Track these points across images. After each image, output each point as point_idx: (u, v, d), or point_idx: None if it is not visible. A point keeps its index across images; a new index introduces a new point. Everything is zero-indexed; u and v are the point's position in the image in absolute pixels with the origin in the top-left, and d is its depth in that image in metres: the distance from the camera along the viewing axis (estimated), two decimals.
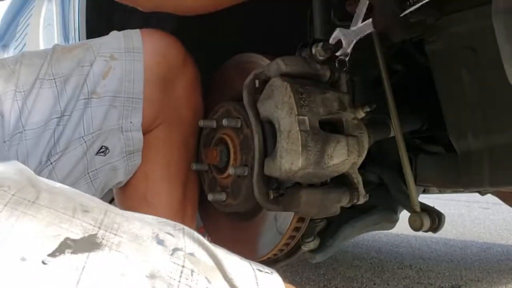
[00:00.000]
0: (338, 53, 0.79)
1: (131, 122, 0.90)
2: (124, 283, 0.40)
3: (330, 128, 0.77)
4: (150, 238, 0.44)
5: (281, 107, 0.73)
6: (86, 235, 0.42)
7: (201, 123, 0.96)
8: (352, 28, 0.77)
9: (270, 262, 1.01)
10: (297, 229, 0.90)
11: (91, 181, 0.90)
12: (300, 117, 0.72)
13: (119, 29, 0.96)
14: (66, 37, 1.52)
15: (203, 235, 0.51)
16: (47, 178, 0.81)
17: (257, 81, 0.79)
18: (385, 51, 0.87)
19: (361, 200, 0.80)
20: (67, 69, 0.88)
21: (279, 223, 0.90)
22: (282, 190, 0.79)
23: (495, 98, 0.78)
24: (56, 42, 1.63)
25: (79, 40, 1.32)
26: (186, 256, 0.44)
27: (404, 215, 1.02)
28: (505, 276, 1.75)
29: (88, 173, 0.89)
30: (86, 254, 0.40)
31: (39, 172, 0.84)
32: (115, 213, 0.46)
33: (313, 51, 0.84)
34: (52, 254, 0.39)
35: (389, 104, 0.88)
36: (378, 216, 1.05)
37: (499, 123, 0.79)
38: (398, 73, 1.06)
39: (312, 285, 1.61)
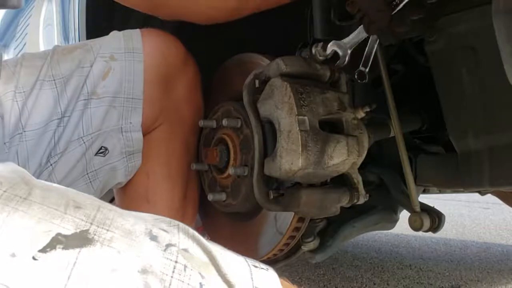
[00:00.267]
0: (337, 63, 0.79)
1: (130, 123, 0.90)
2: (115, 278, 0.40)
3: (330, 128, 0.77)
4: (143, 234, 0.44)
5: (281, 107, 0.73)
6: (78, 230, 0.41)
7: (201, 123, 0.96)
8: (346, 40, 0.77)
9: (270, 262, 1.01)
10: (297, 229, 0.90)
11: (90, 181, 0.90)
12: (300, 117, 0.72)
13: (119, 29, 0.96)
14: (66, 37, 1.52)
15: (203, 235, 0.51)
16: (47, 179, 0.82)
17: (257, 81, 0.79)
18: (385, 51, 0.87)
19: (361, 200, 0.80)
20: (67, 70, 0.88)
21: (279, 223, 0.90)
22: (282, 190, 0.79)
23: (495, 98, 0.78)
24: (56, 42, 1.63)
25: (79, 40, 1.32)
26: (179, 251, 0.44)
27: (404, 215, 1.02)
28: (505, 276, 1.75)
29: (87, 173, 0.89)
30: (78, 249, 0.40)
31: (39, 174, 0.84)
32: (108, 209, 0.46)
33: (313, 51, 0.84)
34: (43, 250, 0.39)
35: (389, 104, 0.88)
36: (378, 216, 1.05)
37: (499, 123, 0.79)
38: (398, 73, 1.06)
39: (312, 285, 1.61)
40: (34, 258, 0.38)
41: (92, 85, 0.88)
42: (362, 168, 0.83)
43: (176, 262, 0.43)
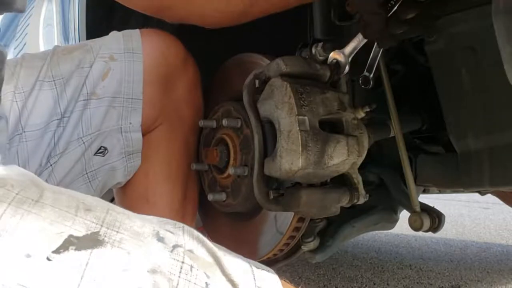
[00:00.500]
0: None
1: (130, 123, 0.90)
2: (126, 278, 0.41)
3: (330, 128, 0.77)
4: (151, 235, 0.46)
5: (281, 107, 0.73)
6: (89, 232, 0.43)
7: (201, 123, 0.96)
8: (346, 49, 0.78)
9: (270, 262, 1.01)
10: (297, 229, 0.90)
11: (90, 181, 0.90)
12: (300, 117, 0.72)
13: (119, 29, 0.96)
14: (66, 37, 1.52)
15: (203, 235, 0.52)
16: (46, 179, 0.82)
17: (257, 81, 0.79)
18: (385, 51, 0.87)
19: (361, 200, 0.80)
20: (67, 70, 0.88)
21: (279, 223, 0.90)
22: (282, 190, 0.79)
23: (495, 98, 0.78)
24: (56, 42, 1.63)
25: (79, 40, 1.32)
26: (185, 252, 0.46)
27: (404, 215, 1.02)
28: (505, 276, 1.75)
29: (86, 173, 0.89)
30: (90, 250, 0.41)
31: (39, 174, 0.84)
32: (117, 212, 0.47)
33: (313, 51, 0.84)
34: (57, 251, 0.40)
35: (389, 104, 0.88)
36: (378, 216, 1.05)
37: (499, 123, 0.79)
38: (398, 73, 1.06)
39: (312, 285, 1.61)
40: (48, 259, 0.40)
41: (92, 86, 0.88)
42: (362, 168, 0.83)
43: (182, 262, 0.44)
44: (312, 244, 0.96)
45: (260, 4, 0.86)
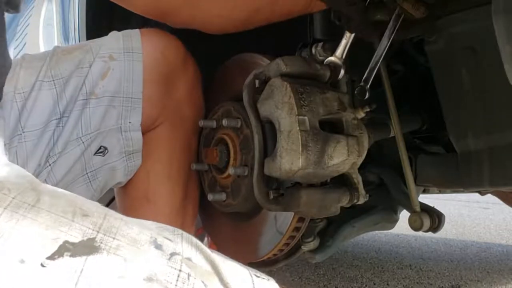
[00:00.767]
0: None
1: (130, 122, 0.90)
2: (122, 286, 0.41)
3: (330, 128, 0.77)
4: (148, 242, 0.45)
5: (281, 107, 0.73)
6: (85, 238, 0.42)
7: (201, 123, 0.96)
8: (337, 52, 0.78)
9: (270, 262, 1.01)
10: (297, 229, 0.90)
11: (90, 181, 0.90)
12: (300, 117, 0.72)
13: (119, 29, 0.96)
14: (66, 37, 1.52)
15: (203, 235, 0.52)
16: (45, 179, 0.82)
17: (257, 81, 0.79)
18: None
19: (361, 200, 0.80)
20: (66, 71, 0.88)
21: (279, 223, 0.90)
22: (282, 190, 0.79)
23: (495, 98, 0.78)
24: (56, 42, 1.63)
25: (79, 40, 1.32)
26: (183, 260, 0.45)
27: (404, 215, 1.02)
28: (505, 276, 1.75)
29: (86, 173, 0.89)
30: (85, 257, 0.41)
31: (38, 174, 0.84)
32: (114, 217, 0.47)
33: (313, 51, 0.84)
34: (51, 257, 0.40)
35: (389, 104, 0.88)
36: (378, 216, 1.05)
37: (499, 123, 0.79)
38: (398, 73, 1.06)
39: (312, 285, 1.61)
40: (42, 265, 0.39)
41: (91, 85, 0.88)
42: (362, 168, 0.83)
43: (180, 270, 0.44)
44: (312, 244, 0.96)
45: (264, 13, 0.86)
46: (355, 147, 0.76)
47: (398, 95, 0.89)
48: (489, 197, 1.99)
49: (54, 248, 0.41)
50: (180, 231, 0.50)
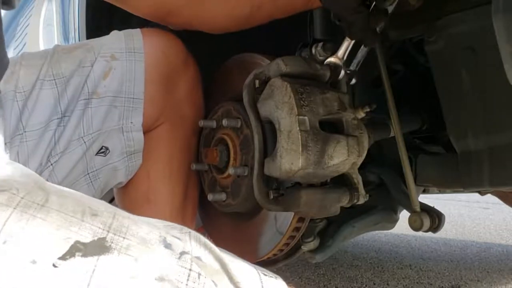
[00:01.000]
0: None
1: (131, 123, 0.90)
2: (134, 286, 0.41)
3: (330, 128, 0.77)
4: (158, 241, 0.45)
5: (281, 107, 0.73)
6: (96, 238, 0.42)
7: (201, 123, 0.96)
8: (339, 52, 0.79)
9: (270, 262, 1.01)
10: (297, 229, 0.90)
11: (91, 181, 0.90)
12: (300, 117, 0.72)
13: (120, 29, 0.96)
14: (66, 37, 1.52)
15: (203, 235, 0.52)
16: (47, 179, 0.82)
17: (257, 81, 0.79)
18: (385, 51, 0.87)
19: (361, 200, 0.80)
20: (68, 70, 0.88)
21: (279, 223, 0.90)
22: (282, 190, 0.79)
23: (495, 98, 0.78)
24: (56, 42, 1.63)
25: (79, 40, 1.32)
26: (193, 259, 0.45)
27: (404, 215, 1.02)
28: (505, 276, 1.75)
29: (88, 173, 0.89)
30: (96, 257, 0.41)
31: (39, 174, 0.84)
32: (123, 217, 0.47)
33: (313, 51, 0.85)
34: (63, 257, 0.40)
35: (389, 104, 0.88)
36: (378, 216, 1.05)
37: (499, 123, 0.79)
38: (398, 73, 1.06)
39: (312, 285, 1.61)
40: (54, 265, 0.39)
41: (93, 85, 0.88)
42: (362, 168, 0.83)
43: (190, 270, 0.44)
44: (312, 244, 0.96)
45: (266, 9, 0.85)
46: (355, 147, 0.76)
47: (398, 95, 0.89)
48: (489, 197, 1.99)
49: (66, 248, 0.41)
50: (188, 229, 0.50)
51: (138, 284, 0.41)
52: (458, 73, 0.80)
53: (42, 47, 1.84)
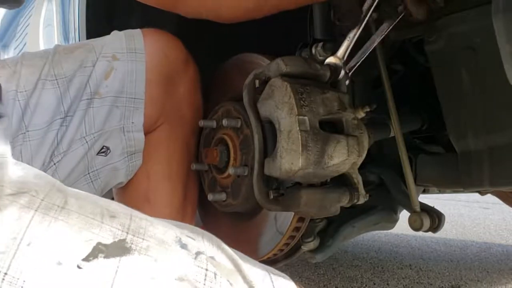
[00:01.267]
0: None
1: (132, 123, 0.90)
2: (155, 286, 0.42)
3: (330, 128, 0.77)
4: (174, 242, 0.46)
5: (281, 107, 0.73)
6: (116, 240, 0.43)
7: (201, 123, 0.96)
8: (339, 52, 0.79)
9: (270, 262, 1.01)
10: (297, 229, 0.90)
11: (92, 181, 0.90)
12: (300, 117, 0.72)
13: (120, 29, 0.96)
14: (66, 37, 1.52)
15: None
16: None
17: (257, 81, 0.79)
18: (385, 51, 0.87)
19: (361, 200, 0.80)
20: (69, 70, 0.88)
21: (279, 223, 0.90)
22: (282, 190, 0.79)
23: (495, 98, 0.78)
24: (56, 42, 1.63)
25: (79, 40, 1.32)
26: (208, 259, 0.46)
27: (404, 215, 1.02)
28: (505, 276, 1.75)
29: (88, 173, 0.89)
30: (118, 258, 0.42)
31: None
32: (140, 218, 0.48)
33: (313, 51, 0.85)
34: (86, 259, 0.41)
35: (389, 104, 0.88)
36: (378, 216, 1.05)
37: (499, 123, 0.79)
38: (398, 73, 1.06)
39: (312, 285, 1.61)
40: (78, 267, 0.40)
41: (95, 85, 0.88)
42: (362, 168, 0.83)
43: (206, 270, 0.45)
44: (312, 244, 0.96)
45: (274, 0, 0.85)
46: (355, 147, 0.76)
47: (398, 95, 0.89)
48: (489, 197, 1.99)
49: (88, 250, 0.42)
50: (200, 230, 0.51)
51: (159, 284, 0.42)
52: (458, 73, 0.80)
53: (42, 47, 1.84)
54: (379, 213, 1.05)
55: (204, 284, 0.44)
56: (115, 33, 0.96)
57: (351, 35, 0.78)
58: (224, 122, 0.89)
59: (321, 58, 0.83)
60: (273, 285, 0.49)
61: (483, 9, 0.72)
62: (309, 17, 0.92)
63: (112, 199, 1.04)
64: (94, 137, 0.88)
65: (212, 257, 0.47)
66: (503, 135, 0.79)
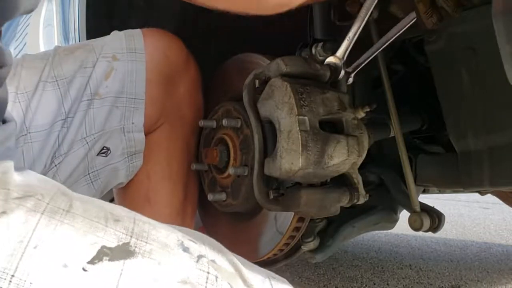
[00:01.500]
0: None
1: (133, 123, 0.90)
2: None
3: (330, 128, 0.77)
4: (176, 245, 0.47)
5: (281, 107, 0.73)
6: (120, 243, 0.44)
7: (201, 123, 0.96)
8: (338, 52, 0.79)
9: (270, 262, 1.01)
10: (297, 229, 0.90)
11: (92, 182, 0.90)
12: (300, 117, 0.72)
13: (120, 29, 0.96)
14: (66, 37, 1.52)
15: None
16: None
17: (257, 81, 0.79)
18: (385, 51, 0.87)
19: (361, 200, 0.80)
20: (69, 71, 0.88)
21: (279, 223, 0.90)
22: (282, 190, 0.79)
23: (495, 98, 0.78)
24: (56, 42, 1.63)
25: (79, 40, 1.32)
26: (209, 263, 0.47)
27: (404, 215, 1.02)
28: (505, 276, 1.75)
29: (88, 173, 0.89)
30: (122, 261, 0.43)
31: (44, 175, 0.84)
32: (143, 222, 0.49)
33: (313, 51, 0.84)
34: (91, 261, 0.42)
35: (389, 104, 0.88)
36: (378, 216, 1.05)
37: (499, 123, 0.79)
38: (398, 73, 1.06)
39: (312, 285, 1.61)
40: (84, 269, 0.41)
41: (95, 86, 0.88)
42: (362, 168, 0.83)
43: (208, 273, 0.46)
44: (312, 244, 0.96)
45: None
46: (355, 147, 0.76)
47: (398, 95, 0.89)
48: (489, 197, 1.99)
49: (93, 253, 0.42)
50: (200, 233, 0.53)
51: (162, 286, 0.43)
52: (458, 73, 0.80)
53: (42, 46, 1.84)
54: (379, 213, 1.05)
55: (206, 287, 0.45)
56: (115, 33, 0.95)
57: (351, 35, 0.78)
58: (224, 122, 0.89)
59: (321, 58, 0.83)
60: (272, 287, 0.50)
61: (483, 9, 0.72)
62: (309, 17, 0.92)
63: (113, 199, 1.04)
64: (94, 138, 0.88)
65: (213, 261, 0.48)
66: (503, 135, 0.79)
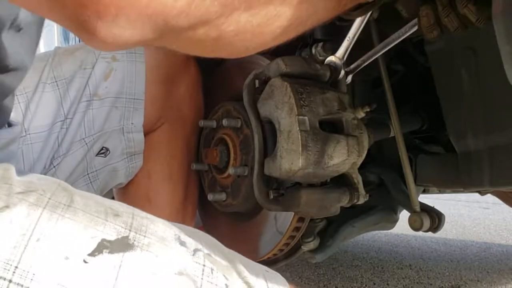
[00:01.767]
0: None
1: (132, 123, 0.90)
2: (156, 280, 0.45)
3: (330, 128, 0.77)
4: (174, 239, 0.49)
5: (281, 107, 0.73)
6: (120, 237, 0.46)
7: (201, 123, 0.96)
8: (338, 52, 0.79)
9: (270, 262, 1.01)
10: (297, 229, 0.90)
11: (91, 182, 0.90)
12: (300, 117, 0.72)
13: None
14: (66, 37, 1.52)
15: None
16: None
17: (257, 81, 0.79)
18: (385, 51, 0.87)
19: (361, 200, 0.80)
20: (69, 71, 0.88)
21: (279, 223, 0.90)
22: (282, 190, 0.79)
23: (495, 98, 0.78)
24: (56, 43, 1.64)
25: (79, 41, 1.32)
26: (205, 256, 0.49)
27: (404, 215, 1.02)
28: (505, 276, 1.75)
29: (87, 174, 0.89)
30: (121, 254, 0.45)
31: None
32: (141, 216, 0.51)
33: (313, 51, 0.85)
34: (92, 254, 0.44)
35: (389, 104, 0.88)
36: (378, 216, 1.05)
37: (499, 123, 0.79)
38: (398, 73, 1.06)
39: (312, 285, 1.61)
40: (85, 261, 0.43)
41: (94, 86, 0.88)
42: (362, 168, 0.83)
43: (204, 265, 0.48)
44: (312, 244, 0.96)
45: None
46: (355, 147, 0.76)
47: (398, 95, 0.89)
48: (489, 197, 1.99)
49: (94, 246, 0.44)
50: (196, 229, 0.55)
51: (160, 278, 0.45)
52: (458, 73, 0.80)
53: (42, 47, 1.84)
54: (379, 213, 1.05)
55: (202, 278, 0.47)
56: None
57: (351, 35, 0.78)
58: (224, 122, 0.89)
59: (321, 58, 0.83)
60: (265, 281, 0.52)
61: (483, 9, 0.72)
62: None
63: (113, 199, 1.04)
64: (93, 138, 0.88)
65: (209, 254, 0.50)
66: (503, 135, 0.79)
